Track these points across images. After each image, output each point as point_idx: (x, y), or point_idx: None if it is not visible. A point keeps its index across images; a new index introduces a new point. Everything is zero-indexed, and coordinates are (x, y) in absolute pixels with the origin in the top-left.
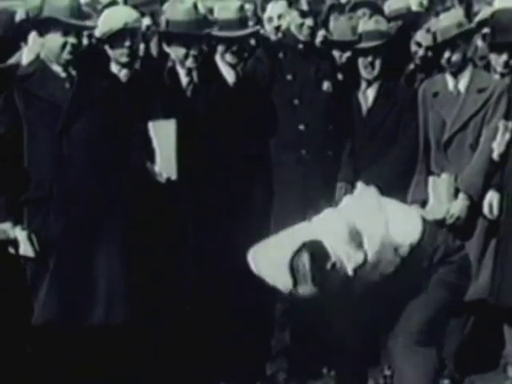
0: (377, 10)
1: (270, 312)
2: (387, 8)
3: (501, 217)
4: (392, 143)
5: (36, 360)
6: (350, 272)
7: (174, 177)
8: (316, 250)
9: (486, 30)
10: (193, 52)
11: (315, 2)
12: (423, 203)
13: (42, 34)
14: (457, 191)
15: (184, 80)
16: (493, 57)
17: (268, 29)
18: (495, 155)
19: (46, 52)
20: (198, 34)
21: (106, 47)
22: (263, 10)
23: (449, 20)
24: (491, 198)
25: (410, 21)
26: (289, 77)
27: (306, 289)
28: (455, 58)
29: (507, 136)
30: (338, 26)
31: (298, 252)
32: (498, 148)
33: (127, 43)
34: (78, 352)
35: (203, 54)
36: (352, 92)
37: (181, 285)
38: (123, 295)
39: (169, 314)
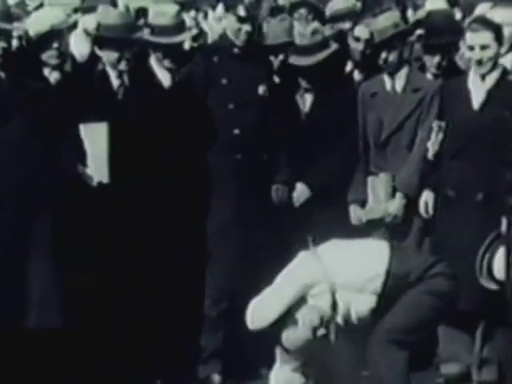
0: (315, 10)
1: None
2: (329, 10)
3: (435, 215)
4: (331, 144)
5: None
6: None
7: (105, 180)
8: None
9: (421, 32)
10: (126, 55)
11: (252, 7)
12: (363, 203)
13: None
14: (394, 190)
15: (115, 83)
16: (427, 58)
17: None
18: (430, 155)
19: None
20: (131, 38)
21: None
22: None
23: (385, 21)
24: (427, 198)
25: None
26: (224, 81)
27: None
28: (392, 58)
29: (441, 136)
30: (270, 30)
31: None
32: (432, 148)
33: (55, 45)
34: (15, 355)
35: (136, 57)
36: (289, 95)
37: (114, 287)
38: (57, 299)
39: (103, 316)
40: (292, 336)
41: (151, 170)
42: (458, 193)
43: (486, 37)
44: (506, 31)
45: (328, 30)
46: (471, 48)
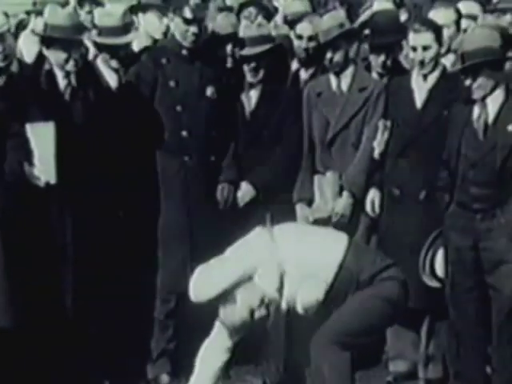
0: (263, 9)
1: (152, 314)
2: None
3: (381, 214)
4: (276, 143)
5: None
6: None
7: (53, 181)
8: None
9: (367, 32)
10: (74, 56)
11: (199, 9)
12: (309, 202)
13: None
14: (341, 189)
15: (62, 83)
16: (372, 57)
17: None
18: (376, 154)
19: None
20: (79, 39)
21: None
22: None
23: (330, 21)
24: (373, 196)
25: None
26: (172, 83)
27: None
28: (337, 58)
29: (386, 135)
30: (217, 24)
31: None
32: (378, 147)
33: None
34: None
35: (83, 57)
36: (236, 95)
37: (62, 288)
38: (5, 300)
39: (52, 316)
40: (229, 313)
41: (98, 171)
42: (402, 191)
43: (428, 37)
44: (445, 32)
45: (274, 30)
46: (414, 49)
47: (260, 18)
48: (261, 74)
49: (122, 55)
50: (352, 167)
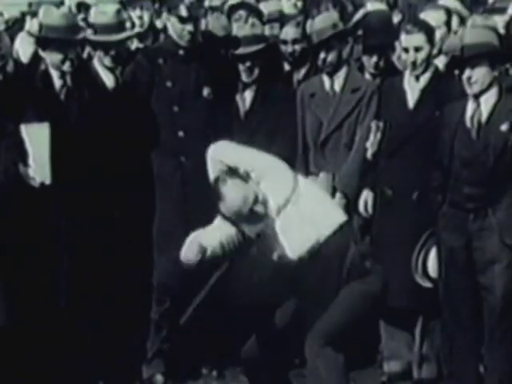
0: (254, 11)
1: (147, 314)
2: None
3: (374, 215)
4: (270, 144)
5: None
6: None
7: (47, 181)
8: None
9: (360, 33)
10: (70, 56)
11: (194, 7)
12: None
13: None
14: (334, 190)
15: (57, 83)
16: (365, 58)
17: None
18: (369, 154)
19: None
20: (75, 38)
21: None
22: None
23: (323, 22)
24: (366, 197)
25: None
26: (168, 83)
27: None
28: (330, 58)
29: (379, 136)
30: (210, 27)
31: None
32: (371, 147)
33: None
34: None
35: (79, 57)
36: (231, 96)
37: (57, 288)
38: (1, 300)
39: (46, 316)
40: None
41: (93, 172)
42: (395, 191)
43: (420, 39)
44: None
45: (267, 30)
46: (406, 50)
47: (252, 19)
48: (255, 73)
49: (116, 53)
50: (345, 168)
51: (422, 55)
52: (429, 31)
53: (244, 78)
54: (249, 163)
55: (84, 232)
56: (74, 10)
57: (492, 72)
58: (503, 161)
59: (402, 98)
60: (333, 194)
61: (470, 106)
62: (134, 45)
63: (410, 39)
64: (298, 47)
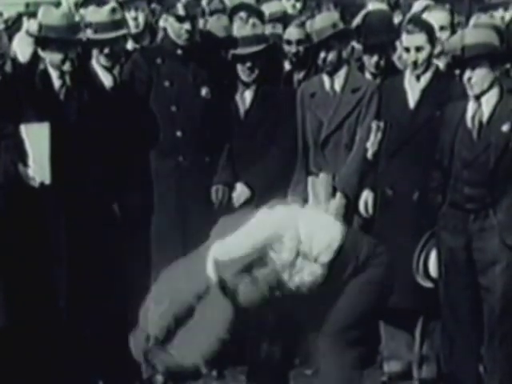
0: (255, 12)
1: None
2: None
3: (375, 215)
4: (270, 144)
5: None
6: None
7: (47, 181)
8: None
9: (360, 32)
10: (70, 56)
11: (191, 6)
12: (303, 202)
13: None
14: (334, 190)
15: (57, 83)
16: (365, 58)
17: None
18: (369, 154)
19: None
20: (75, 38)
21: None
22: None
23: (324, 21)
24: (366, 197)
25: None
26: (166, 83)
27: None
28: (330, 57)
29: (379, 136)
30: (210, 28)
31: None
32: (371, 147)
33: None
34: None
35: (79, 57)
36: (230, 96)
37: (56, 288)
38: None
39: (46, 316)
40: (248, 292)
41: (92, 171)
42: (395, 192)
43: (421, 38)
44: (438, 35)
45: (268, 29)
46: (407, 50)
47: (253, 19)
48: (255, 73)
49: (111, 51)
50: (345, 168)
51: (423, 55)
52: (430, 31)
53: (244, 77)
54: (253, 249)
55: (83, 231)
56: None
57: (492, 73)
58: (504, 161)
59: (403, 98)
60: (333, 194)
61: (471, 106)
62: (130, 45)
63: (412, 39)
64: (302, 47)
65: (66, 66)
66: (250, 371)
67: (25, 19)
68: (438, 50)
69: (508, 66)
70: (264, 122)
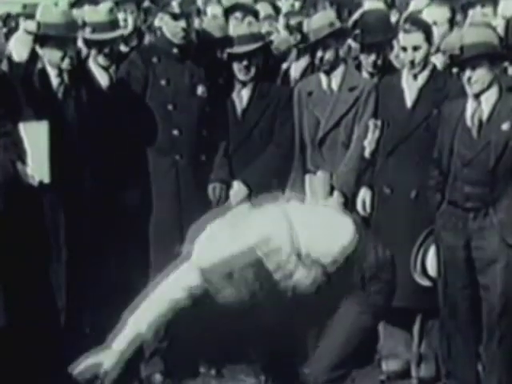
0: (250, 12)
1: None
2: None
3: (372, 213)
4: (268, 142)
5: None
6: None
7: (46, 180)
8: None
9: (357, 31)
10: (69, 54)
11: (186, 3)
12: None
13: None
14: (332, 189)
15: (55, 82)
16: (362, 57)
17: None
18: (367, 153)
19: None
20: (74, 36)
21: None
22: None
23: (321, 21)
24: (364, 195)
25: None
26: (163, 82)
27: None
28: (328, 56)
29: (377, 134)
30: (206, 28)
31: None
32: (369, 146)
33: None
34: None
35: (78, 55)
36: (227, 94)
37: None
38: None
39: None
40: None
41: (90, 170)
42: (393, 190)
43: (418, 38)
44: (437, 30)
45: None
46: (404, 49)
47: (249, 18)
48: (252, 72)
49: (110, 51)
50: (343, 166)
51: (420, 54)
52: (427, 30)
53: (241, 76)
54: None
55: (82, 230)
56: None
57: (492, 71)
58: (504, 159)
59: (400, 97)
60: (330, 193)
61: (471, 105)
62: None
63: (409, 38)
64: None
65: (65, 64)
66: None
67: (21, 20)
68: (434, 47)
69: (506, 63)
70: (261, 120)
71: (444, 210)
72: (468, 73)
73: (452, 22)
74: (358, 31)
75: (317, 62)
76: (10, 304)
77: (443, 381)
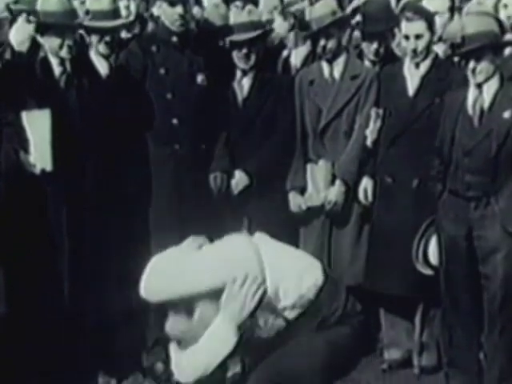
0: (251, 0)
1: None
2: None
3: (374, 203)
4: (269, 132)
5: None
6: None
7: (48, 168)
8: None
9: (358, 19)
10: (67, 42)
11: None
12: (302, 190)
13: None
14: (334, 178)
15: (57, 70)
16: (364, 45)
17: None
18: (368, 142)
19: None
20: (72, 23)
21: None
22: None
23: (322, 9)
24: (366, 185)
25: None
26: (162, 71)
27: None
28: (330, 45)
29: (379, 123)
30: (207, 17)
31: None
32: (370, 135)
33: None
34: None
35: (77, 44)
36: (227, 83)
37: (58, 277)
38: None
39: (47, 304)
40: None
41: (92, 158)
42: (394, 179)
43: (420, 26)
44: (439, 20)
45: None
46: (406, 37)
47: (249, 6)
48: (252, 60)
49: (111, 40)
50: (344, 156)
51: (422, 43)
52: (429, 18)
53: (241, 64)
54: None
55: (84, 218)
56: None
57: (495, 60)
58: (506, 148)
59: (402, 86)
60: (332, 182)
61: (472, 93)
62: (123, 34)
63: (411, 27)
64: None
65: (63, 52)
66: None
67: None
68: (436, 36)
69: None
70: (262, 109)
71: (445, 200)
72: (472, 64)
73: (452, 12)
74: (359, 19)
75: (319, 50)
76: (11, 293)
77: (445, 370)
